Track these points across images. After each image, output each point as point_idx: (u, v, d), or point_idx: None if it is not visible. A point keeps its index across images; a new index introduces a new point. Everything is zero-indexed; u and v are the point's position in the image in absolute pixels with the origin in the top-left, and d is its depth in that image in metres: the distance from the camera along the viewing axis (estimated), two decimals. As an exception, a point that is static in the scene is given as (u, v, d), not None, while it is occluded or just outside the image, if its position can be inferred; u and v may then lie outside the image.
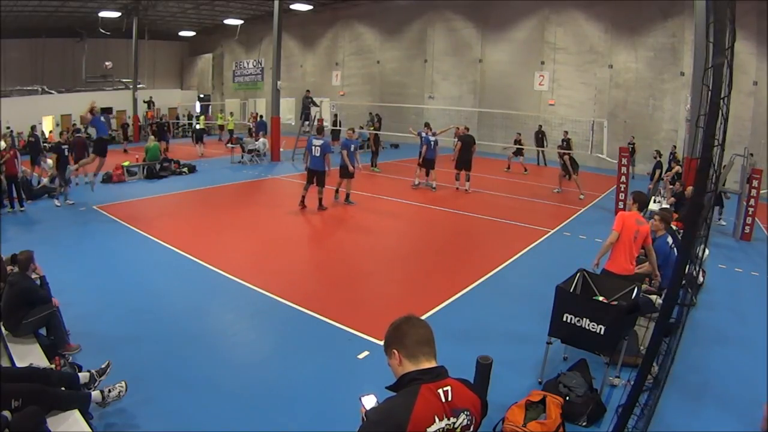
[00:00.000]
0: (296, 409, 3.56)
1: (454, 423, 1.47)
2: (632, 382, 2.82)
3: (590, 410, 3.46)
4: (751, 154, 10.07)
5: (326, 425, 3.37)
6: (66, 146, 10.02)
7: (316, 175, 9.12)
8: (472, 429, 1.53)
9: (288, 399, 3.68)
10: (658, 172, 10.01)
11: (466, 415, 1.50)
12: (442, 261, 6.98)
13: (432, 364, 1.52)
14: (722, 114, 2.35)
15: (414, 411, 1.40)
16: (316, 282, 6.09)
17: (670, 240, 4.72)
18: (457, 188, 11.59)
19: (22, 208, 9.09)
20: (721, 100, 2.34)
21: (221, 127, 22.14)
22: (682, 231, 3.70)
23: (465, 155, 11.35)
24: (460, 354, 3.59)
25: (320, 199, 9.27)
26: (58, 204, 9.54)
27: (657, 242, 4.80)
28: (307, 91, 18.34)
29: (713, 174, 2.46)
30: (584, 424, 3.45)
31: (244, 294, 5.58)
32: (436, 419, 1.44)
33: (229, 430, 3.31)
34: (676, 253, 4.39)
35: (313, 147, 9.01)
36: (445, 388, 1.47)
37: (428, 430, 1.42)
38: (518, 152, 15.63)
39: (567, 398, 3.50)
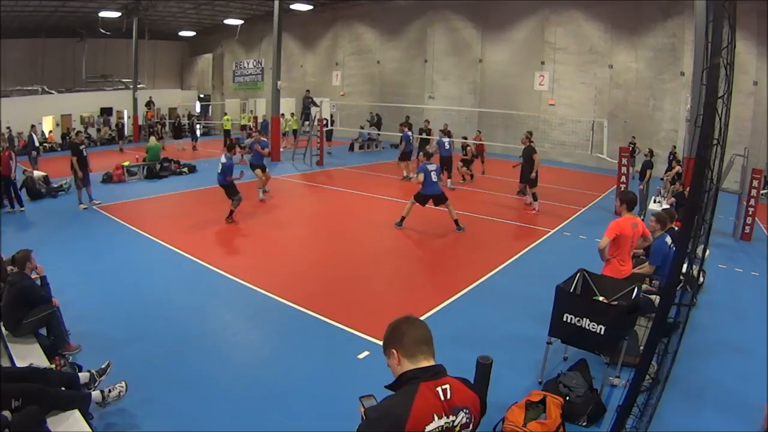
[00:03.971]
0: (296, 409, 3.56)
1: (453, 421, 1.47)
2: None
3: (590, 410, 3.46)
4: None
5: (326, 425, 3.37)
6: (83, 146, 9.65)
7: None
8: (471, 427, 1.53)
9: (288, 399, 3.68)
10: (648, 172, 9.92)
11: (466, 413, 1.50)
12: (443, 261, 6.99)
13: (430, 363, 1.52)
14: (719, 113, 2.34)
15: (413, 408, 1.40)
16: (316, 282, 6.08)
17: (669, 240, 4.71)
18: (526, 202, 10.38)
19: (21, 208, 9.10)
20: (719, 99, 2.33)
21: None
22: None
23: (524, 167, 9.96)
24: (461, 354, 3.59)
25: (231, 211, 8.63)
26: (84, 206, 9.33)
27: (655, 242, 4.79)
28: (307, 90, 18.33)
29: (710, 173, 2.45)
30: (584, 424, 3.45)
31: (244, 294, 5.58)
32: (435, 417, 1.44)
33: (229, 430, 3.32)
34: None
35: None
36: (444, 387, 1.47)
37: (427, 428, 1.42)
38: None
39: (567, 398, 3.50)
